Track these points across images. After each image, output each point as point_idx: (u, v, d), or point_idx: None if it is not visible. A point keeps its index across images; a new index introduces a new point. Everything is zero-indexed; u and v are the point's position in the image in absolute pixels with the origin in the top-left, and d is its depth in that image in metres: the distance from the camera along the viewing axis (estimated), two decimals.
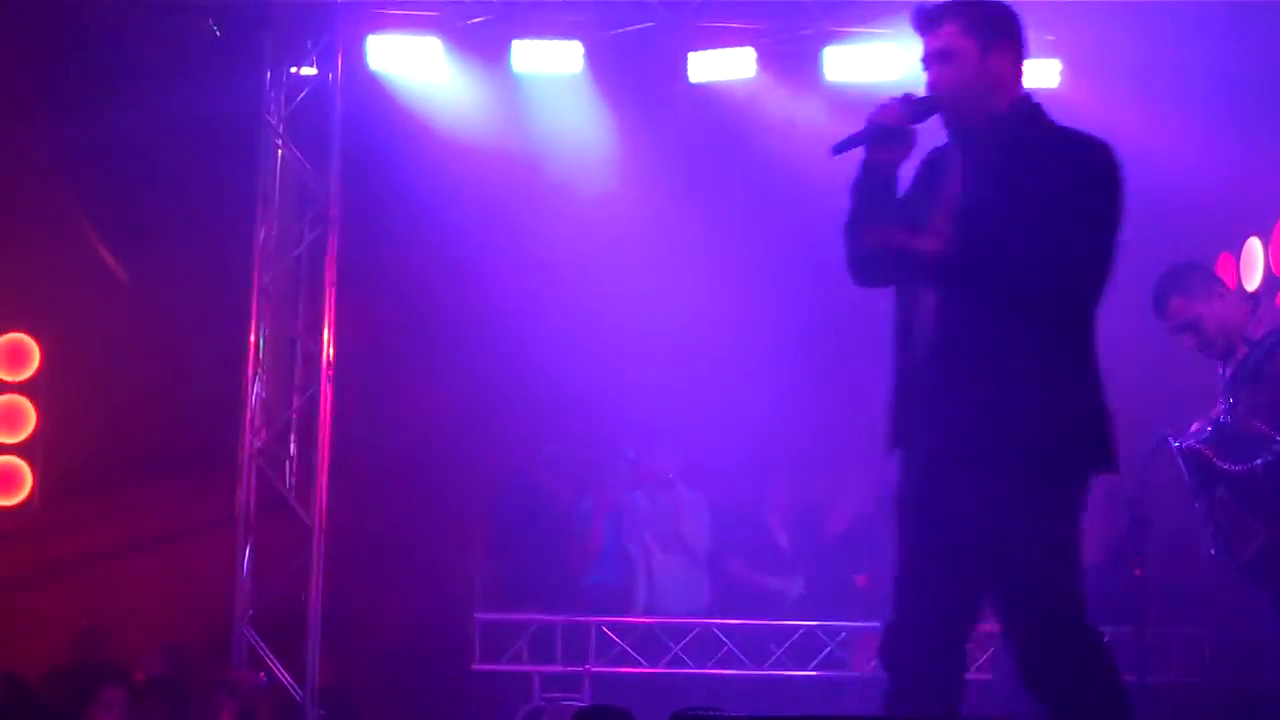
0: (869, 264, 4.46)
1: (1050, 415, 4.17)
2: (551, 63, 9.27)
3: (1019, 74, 4.37)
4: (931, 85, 4.38)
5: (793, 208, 9.87)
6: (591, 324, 9.84)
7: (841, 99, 9.44)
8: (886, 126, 4.33)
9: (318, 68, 9.22)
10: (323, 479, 8.83)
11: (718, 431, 9.81)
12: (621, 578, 9.71)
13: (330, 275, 9.00)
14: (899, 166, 4.40)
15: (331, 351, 8.96)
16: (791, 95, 9.52)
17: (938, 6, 4.37)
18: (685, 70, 9.38)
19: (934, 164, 4.50)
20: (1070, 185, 4.17)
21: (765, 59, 9.34)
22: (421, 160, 9.59)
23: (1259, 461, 5.78)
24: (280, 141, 9.17)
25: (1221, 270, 7.52)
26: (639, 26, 9.33)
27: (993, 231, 4.15)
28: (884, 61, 9.26)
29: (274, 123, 9.16)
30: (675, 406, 9.73)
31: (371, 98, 9.39)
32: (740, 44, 9.30)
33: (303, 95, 9.19)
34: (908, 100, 4.35)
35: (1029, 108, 4.38)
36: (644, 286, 9.86)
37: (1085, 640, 4.30)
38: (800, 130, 9.50)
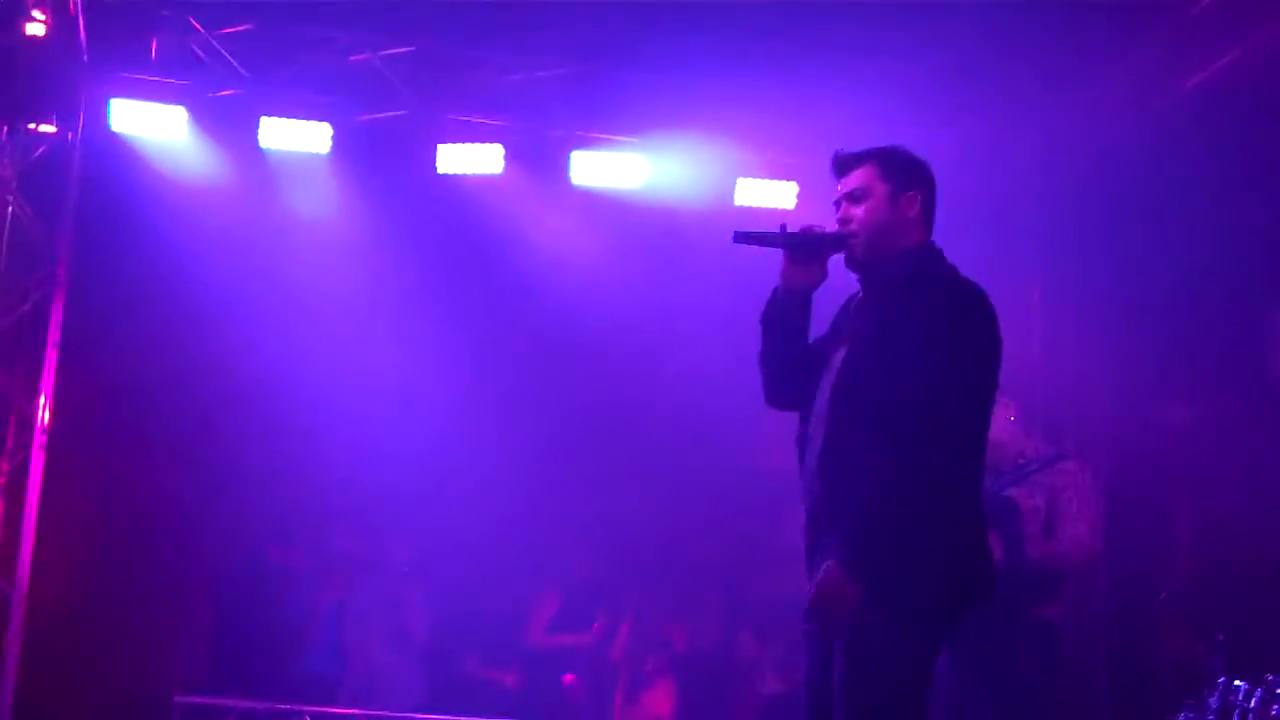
0: (784, 391, 4.48)
1: (917, 559, 4.12)
2: (300, 142, 9.23)
3: (927, 222, 4.45)
4: (840, 222, 4.42)
5: (534, 303, 9.94)
6: (329, 400, 9.70)
7: (587, 203, 9.61)
8: (796, 235, 4.37)
9: (58, 125, 9.02)
10: (27, 547, 8.52)
11: (445, 524, 9.77)
12: (333, 667, 9.55)
13: (54, 337, 8.76)
14: (810, 294, 4.45)
15: (48, 416, 8.69)
16: (538, 194, 9.61)
17: (857, 150, 4.46)
18: (435, 160, 9.42)
19: (849, 306, 4.52)
20: (937, 324, 4.21)
21: (514, 156, 9.44)
22: (163, 226, 9.36)
23: None
24: (12, 197, 8.92)
25: None
26: (389, 114, 9.37)
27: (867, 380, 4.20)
28: (629, 170, 9.47)
29: (7, 177, 8.91)
30: (406, 495, 9.65)
31: (114, 159, 9.17)
32: (489, 140, 9.40)
33: (40, 152, 8.98)
34: (823, 231, 4.39)
35: (929, 253, 4.42)
36: (384, 370, 9.80)
37: None
38: (545, 229, 9.61)
